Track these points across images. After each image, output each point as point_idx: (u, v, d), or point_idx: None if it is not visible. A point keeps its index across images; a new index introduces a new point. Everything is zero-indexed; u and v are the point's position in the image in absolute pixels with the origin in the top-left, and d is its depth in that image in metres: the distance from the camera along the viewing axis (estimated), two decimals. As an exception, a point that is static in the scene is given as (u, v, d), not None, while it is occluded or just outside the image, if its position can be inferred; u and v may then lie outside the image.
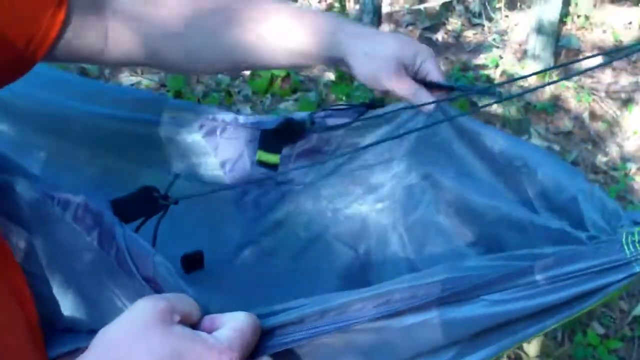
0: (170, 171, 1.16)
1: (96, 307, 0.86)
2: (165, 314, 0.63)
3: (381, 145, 1.15)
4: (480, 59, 4.38)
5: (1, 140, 1.10)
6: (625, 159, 3.51)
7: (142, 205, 0.88)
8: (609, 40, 4.45)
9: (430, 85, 1.02)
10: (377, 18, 3.26)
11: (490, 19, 4.80)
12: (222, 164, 1.18)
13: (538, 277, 0.69)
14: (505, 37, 4.66)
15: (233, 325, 0.66)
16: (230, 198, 1.19)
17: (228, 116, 1.17)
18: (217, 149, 1.17)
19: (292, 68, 1.05)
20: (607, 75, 4.19)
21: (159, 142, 1.16)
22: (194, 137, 1.18)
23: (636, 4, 4.66)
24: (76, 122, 1.13)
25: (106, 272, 0.81)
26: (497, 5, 4.87)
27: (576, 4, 4.71)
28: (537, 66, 4.18)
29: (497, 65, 4.30)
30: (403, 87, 1.02)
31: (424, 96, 1.02)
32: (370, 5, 3.29)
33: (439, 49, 4.51)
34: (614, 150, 3.68)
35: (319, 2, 5.17)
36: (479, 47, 4.56)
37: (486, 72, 4.25)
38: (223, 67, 1.12)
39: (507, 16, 4.83)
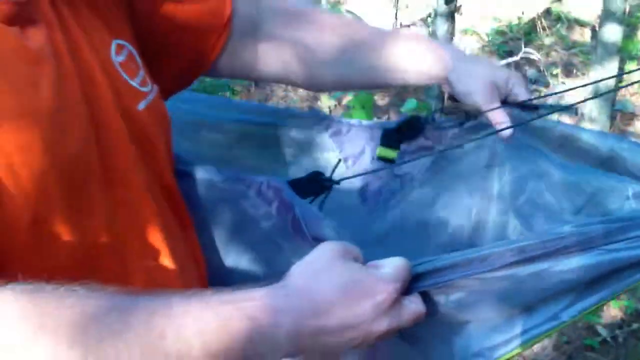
0: (301, 167, 1.34)
1: (271, 268, 1.07)
2: (343, 253, 0.83)
3: (482, 154, 1.33)
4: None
5: None
6: None
7: (312, 185, 1.11)
8: (662, 105, 4.65)
9: (517, 105, 1.22)
10: (441, 102, 3.56)
11: (547, 85, 5.03)
12: (345, 160, 1.35)
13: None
14: (563, 102, 4.87)
15: (393, 265, 0.84)
16: (354, 190, 1.38)
17: (353, 120, 1.38)
18: (342, 146, 1.36)
19: (410, 84, 1.28)
20: None
21: (287, 143, 1.36)
22: (322, 137, 1.37)
23: (688, 72, 4.86)
24: (211, 128, 1.34)
25: (282, 235, 1.03)
26: (554, 72, 5.11)
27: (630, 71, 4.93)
28: (594, 129, 4.38)
29: (555, 127, 4.51)
30: (493, 109, 1.21)
31: (506, 122, 1.20)
32: (437, 90, 3.58)
33: (498, 112, 4.73)
34: None
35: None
36: (537, 111, 4.78)
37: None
38: (362, 86, 1.35)
39: (563, 82, 5.05)
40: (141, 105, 0.92)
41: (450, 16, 3.64)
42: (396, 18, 5.48)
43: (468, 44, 5.59)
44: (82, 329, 0.63)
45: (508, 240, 0.94)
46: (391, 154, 1.35)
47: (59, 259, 0.75)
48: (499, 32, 5.66)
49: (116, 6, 0.96)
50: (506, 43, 5.49)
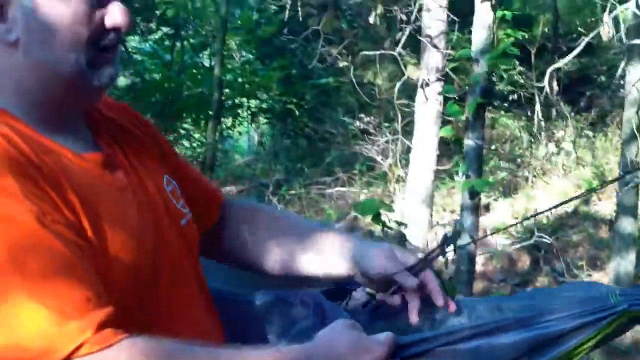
0: None
1: None
2: (353, 326, 1.21)
3: None
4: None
5: None
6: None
7: (337, 292, 1.48)
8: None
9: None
10: (472, 266, 3.83)
11: (574, 277, 5.34)
12: None
13: (564, 313, 1.25)
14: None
15: (384, 335, 1.19)
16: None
17: None
18: None
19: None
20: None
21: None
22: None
23: None
24: None
25: (317, 331, 1.40)
26: (580, 264, 5.44)
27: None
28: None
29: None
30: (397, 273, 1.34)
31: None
32: (466, 257, 3.83)
33: (528, 301, 5.02)
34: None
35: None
36: (565, 300, 5.06)
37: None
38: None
39: (589, 274, 5.36)
40: (183, 222, 1.28)
41: (475, 210, 4.08)
42: (431, 216, 5.96)
43: (498, 240, 6.00)
44: None
45: (469, 324, 1.29)
46: None
47: (143, 328, 1.08)
48: (528, 230, 6.07)
49: (161, 154, 1.35)
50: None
